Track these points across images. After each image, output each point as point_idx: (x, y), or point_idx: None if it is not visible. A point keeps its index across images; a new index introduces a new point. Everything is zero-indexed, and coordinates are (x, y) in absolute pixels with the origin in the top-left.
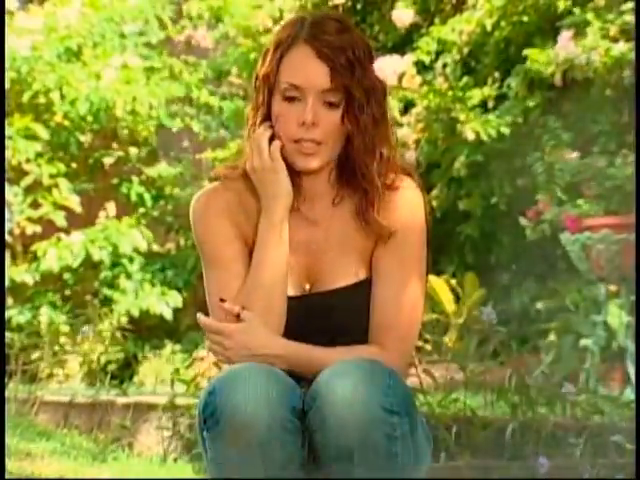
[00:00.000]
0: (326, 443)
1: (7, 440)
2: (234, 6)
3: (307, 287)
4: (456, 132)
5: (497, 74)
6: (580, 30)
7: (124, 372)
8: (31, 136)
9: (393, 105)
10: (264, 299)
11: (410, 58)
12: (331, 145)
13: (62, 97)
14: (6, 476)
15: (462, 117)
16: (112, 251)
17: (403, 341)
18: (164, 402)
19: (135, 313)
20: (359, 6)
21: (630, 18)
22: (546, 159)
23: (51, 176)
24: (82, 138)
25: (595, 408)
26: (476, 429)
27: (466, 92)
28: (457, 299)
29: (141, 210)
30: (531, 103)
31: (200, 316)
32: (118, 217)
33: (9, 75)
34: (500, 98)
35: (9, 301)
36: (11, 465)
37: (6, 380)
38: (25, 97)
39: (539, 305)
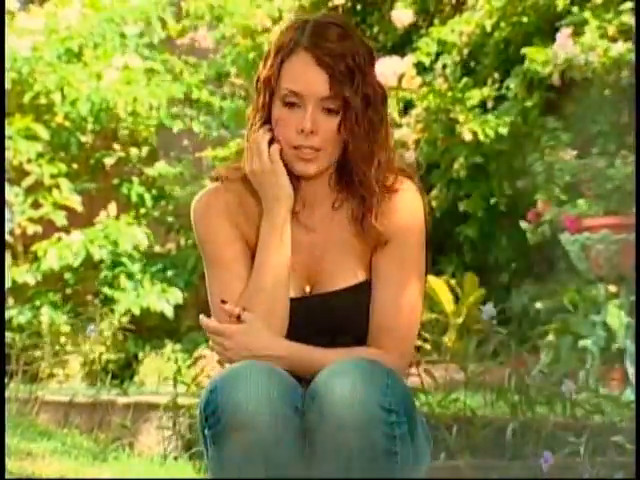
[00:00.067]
0: (325, 442)
1: (8, 440)
2: (233, 5)
3: (307, 289)
4: (455, 133)
5: (497, 75)
6: (578, 29)
7: (124, 372)
8: (32, 136)
9: (392, 106)
10: (266, 302)
11: (410, 59)
12: (330, 151)
13: (63, 98)
14: (7, 476)
15: (461, 118)
16: (112, 249)
17: (403, 342)
18: (164, 402)
19: (136, 311)
20: (359, 7)
21: (628, 18)
22: (545, 159)
23: (52, 176)
24: (83, 138)
25: (595, 408)
26: (476, 429)
27: (465, 93)
28: (456, 299)
29: (142, 210)
30: (530, 104)
31: (202, 317)
32: (118, 217)
33: (10, 76)
34: (499, 99)
35: (10, 301)
36: (12, 465)
37: (7, 380)
38: (26, 98)
39: (538, 305)
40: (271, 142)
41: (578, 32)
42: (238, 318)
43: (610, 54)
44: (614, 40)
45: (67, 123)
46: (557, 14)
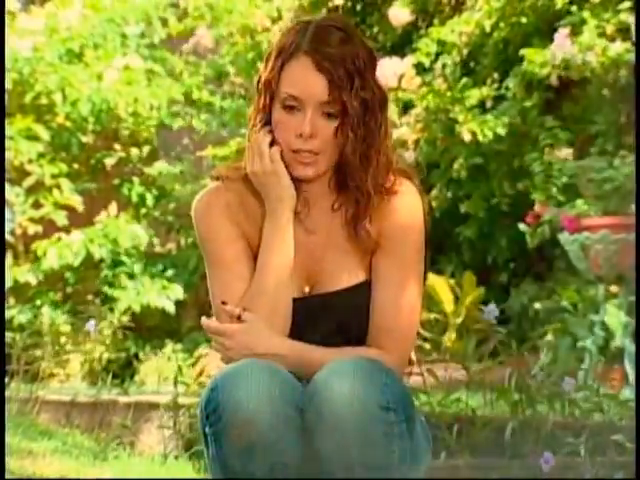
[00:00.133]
0: (324, 441)
1: (9, 439)
2: (233, 4)
3: (306, 289)
4: (454, 133)
5: (496, 75)
6: (577, 28)
7: (125, 371)
8: (33, 137)
9: (392, 107)
10: (269, 303)
11: (410, 60)
12: (329, 154)
13: (64, 98)
14: (7, 475)
15: (460, 118)
16: (112, 248)
17: (402, 343)
18: (165, 401)
19: (136, 309)
20: (358, 7)
21: (626, 17)
22: (544, 159)
23: (53, 176)
24: (84, 139)
25: (595, 406)
26: (476, 428)
27: (464, 93)
28: (456, 299)
29: (142, 210)
30: (529, 104)
31: (204, 319)
32: (118, 216)
33: (11, 76)
34: (498, 99)
35: (11, 301)
36: (12, 464)
37: (8, 379)
38: (27, 98)
39: (537, 305)
40: (272, 143)
41: (576, 32)
42: (239, 318)
43: (608, 53)
44: (612, 39)
45: (68, 123)
46: (556, 14)
